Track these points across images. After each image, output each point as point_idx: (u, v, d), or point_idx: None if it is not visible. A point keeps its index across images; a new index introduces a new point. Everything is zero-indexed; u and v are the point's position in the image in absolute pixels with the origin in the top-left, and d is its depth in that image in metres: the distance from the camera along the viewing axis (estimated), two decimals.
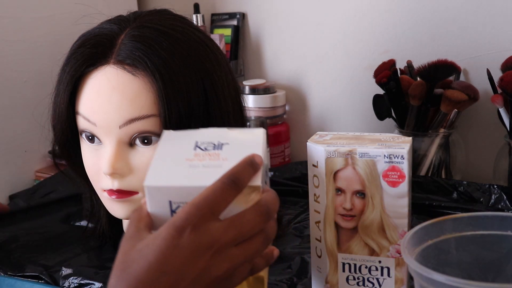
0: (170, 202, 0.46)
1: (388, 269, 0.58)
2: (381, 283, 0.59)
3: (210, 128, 0.53)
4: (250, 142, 0.50)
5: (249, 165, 0.46)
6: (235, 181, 0.44)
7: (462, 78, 0.98)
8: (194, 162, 0.48)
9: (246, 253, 0.44)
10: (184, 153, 0.49)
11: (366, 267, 0.59)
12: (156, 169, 0.48)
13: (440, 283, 0.44)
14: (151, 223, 0.46)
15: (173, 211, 0.46)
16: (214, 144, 0.49)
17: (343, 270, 0.60)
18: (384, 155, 0.55)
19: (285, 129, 1.14)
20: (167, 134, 0.53)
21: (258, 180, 0.46)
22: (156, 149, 0.50)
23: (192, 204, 0.43)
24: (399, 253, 0.57)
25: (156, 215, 0.46)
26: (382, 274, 0.59)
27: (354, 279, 0.60)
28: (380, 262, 0.58)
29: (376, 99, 1.00)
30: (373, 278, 0.59)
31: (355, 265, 0.59)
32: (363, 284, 0.59)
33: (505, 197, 0.83)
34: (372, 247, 0.58)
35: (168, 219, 0.44)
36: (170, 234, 0.42)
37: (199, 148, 0.49)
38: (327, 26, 1.11)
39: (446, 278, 0.44)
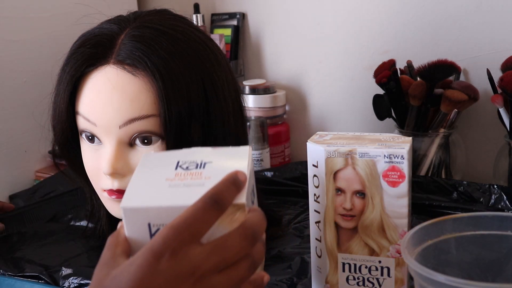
0: (149, 225, 0.42)
1: (388, 269, 0.58)
2: (381, 283, 0.59)
3: (194, 147, 0.50)
4: (235, 159, 0.47)
5: (232, 183, 0.42)
6: (217, 201, 0.41)
7: (462, 78, 0.98)
8: (174, 181, 0.44)
9: (230, 280, 0.40)
10: (165, 173, 0.46)
11: (366, 267, 0.59)
12: (134, 190, 0.44)
13: (440, 283, 0.44)
14: (128, 249, 0.42)
15: (152, 235, 0.42)
16: (197, 163, 0.46)
17: (343, 270, 0.60)
18: (384, 155, 0.55)
19: (285, 129, 1.14)
20: (147, 156, 0.50)
21: (242, 198, 0.43)
22: (135, 171, 0.47)
23: (171, 227, 0.40)
24: (399, 253, 0.57)
25: (135, 239, 0.43)
26: (382, 274, 0.59)
27: (354, 279, 0.60)
28: (380, 262, 0.58)
29: (376, 99, 1.00)
30: (373, 278, 0.59)
31: (355, 265, 0.59)
32: (363, 284, 0.59)
33: (505, 197, 0.83)
34: (372, 247, 0.58)
35: None
36: (146, 260, 0.39)
37: (181, 167, 0.46)
38: (327, 26, 1.11)
39: (446, 278, 0.44)
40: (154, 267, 0.38)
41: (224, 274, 0.41)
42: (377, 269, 0.58)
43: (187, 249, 0.39)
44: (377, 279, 0.59)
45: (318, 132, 0.63)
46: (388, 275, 0.58)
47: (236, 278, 0.41)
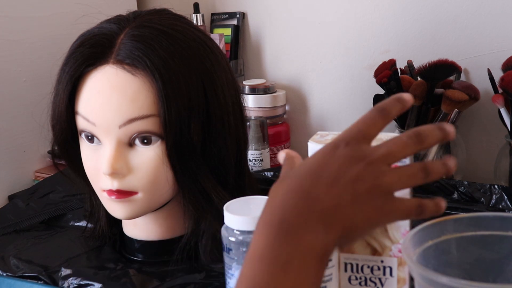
0: None
1: (391, 268, 0.58)
2: (383, 282, 0.58)
3: None
4: None
5: (397, 100, 0.48)
6: (382, 110, 0.48)
7: (462, 78, 0.98)
8: None
9: (400, 172, 0.46)
10: None
11: (368, 266, 0.59)
12: None
13: (441, 284, 0.44)
14: None
15: None
16: None
17: (345, 270, 0.60)
18: None
19: (285, 129, 1.14)
20: None
21: None
22: None
23: (346, 129, 0.48)
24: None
25: None
26: (384, 274, 0.58)
27: (356, 279, 0.59)
28: (382, 261, 0.58)
29: (377, 99, 0.99)
30: (375, 278, 0.59)
31: (357, 265, 0.59)
32: (365, 284, 0.59)
33: (506, 197, 0.82)
34: (374, 246, 0.58)
35: None
36: (327, 148, 0.48)
37: None
38: (327, 26, 1.11)
39: (447, 279, 0.44)
40: (332, 152, 0.47)
41: (394, 168, 0.46)
42: (379, 269, 0.58)
43: (359, 144, 0.47)
44: (379, 279, 0.59)
45: (318, 132, 0.63)
46: (391, 274, 0.58)
47: (406, 173, 0.46)
